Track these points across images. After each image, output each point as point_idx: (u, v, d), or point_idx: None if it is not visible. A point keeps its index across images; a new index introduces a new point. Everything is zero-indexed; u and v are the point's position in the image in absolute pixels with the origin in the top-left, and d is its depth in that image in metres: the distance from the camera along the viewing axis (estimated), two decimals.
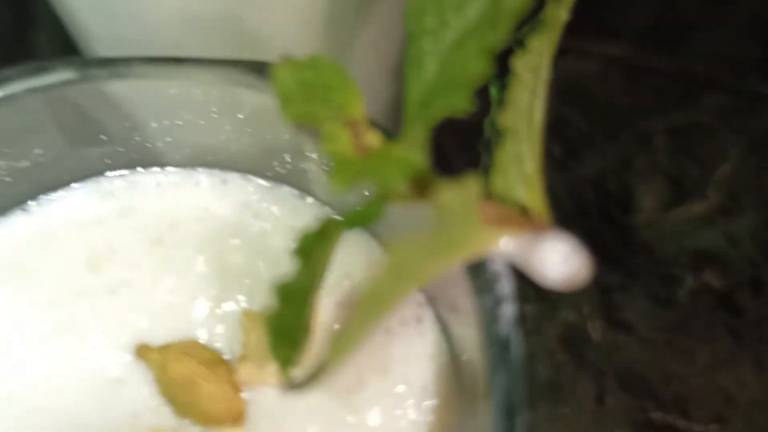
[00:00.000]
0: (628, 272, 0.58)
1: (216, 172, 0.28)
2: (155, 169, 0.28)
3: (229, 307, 0.26)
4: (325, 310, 0.25)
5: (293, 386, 0.20)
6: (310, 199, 0.27)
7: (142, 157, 0.28)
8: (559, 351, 0.56)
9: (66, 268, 0.26)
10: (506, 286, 0.20)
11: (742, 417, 0.53)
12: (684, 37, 0.67)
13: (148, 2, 0.28)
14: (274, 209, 0.27)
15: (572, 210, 0.61)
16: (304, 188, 0.27)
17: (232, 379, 0.24)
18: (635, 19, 0.69)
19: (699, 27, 0.68)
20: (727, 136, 0.63)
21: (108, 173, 0.27)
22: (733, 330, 0.56)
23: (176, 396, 0.24)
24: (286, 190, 0.27)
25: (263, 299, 0.26)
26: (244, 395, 0.24)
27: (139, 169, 0.28)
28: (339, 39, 0.32)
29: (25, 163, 0.26)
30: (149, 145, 0.27)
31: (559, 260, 0.19)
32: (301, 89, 0.20)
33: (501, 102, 0.20)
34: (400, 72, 0.20)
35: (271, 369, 0.24)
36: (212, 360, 0.25)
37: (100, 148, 0.27)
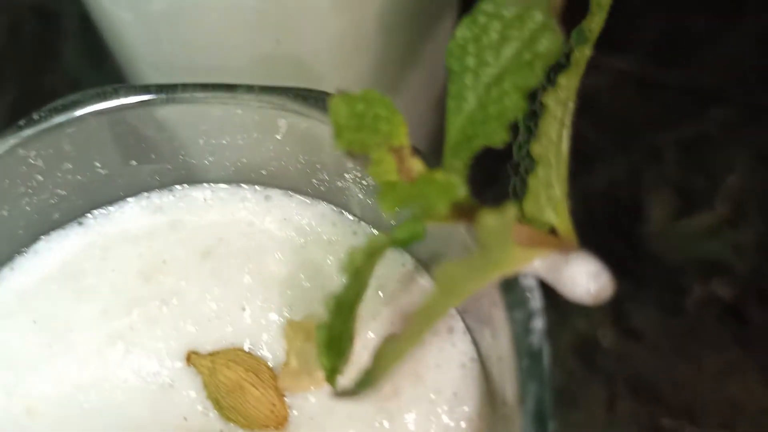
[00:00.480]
0: (637, 282, 0.60)
1: (259, 188, 0.29)
2: (203, 185, 0.29)
3: (273, 316, 0.27)
4: (363, 322, 0.27)
5: (341, 393, 0.21)
6: (347, 215, 0.29)
7: (189, 173, 0.29)
8: (571, 358, 0.57)
9: (120, 278, 0.28)
10: (537, 301, 0.22)
11: (749, 424, 0.55)
12: (692, 51, 0.69)
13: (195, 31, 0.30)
14: (314, 224, 0.29)
15: (583, 220, 0.62)
16: (341, 205, 0.29)
17: (275, 385, 0.26)
18: (645, 33, 0.70)
19: (707, 41, 0.69)
20: (735, 148, 0.65)
21: (158, 189, 0.29)
22: (740, 339, 0.57)
23: (223, 400, 0.26)
24: (325, 206, 0.29)
25: (304, 309, 0.27)
26: (287, 400, 0.26)
27: (185, 185, 0.29)
28: (388, 76, 0.34)
29: (80, 178, 0.28)
30: (195, 162, 0.29)
31: (586, 279, 0.21)
32: (353, 119, 0.22)
33: (533, 133, 0.22)
34: (443, 105, 0.22)
35: (313, 376, 0.26)
36: (257, 367, 0.26)
37: (151, 165, 0.29)
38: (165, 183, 0.29)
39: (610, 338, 0.58)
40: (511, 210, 0.20)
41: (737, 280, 0.60)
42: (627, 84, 0.67)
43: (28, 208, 0.28)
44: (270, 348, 0.27)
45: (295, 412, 0.26)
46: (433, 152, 0.23)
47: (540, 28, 0.21)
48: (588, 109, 0.73)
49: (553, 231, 0.23)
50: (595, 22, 0.23)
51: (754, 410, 0.55)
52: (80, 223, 0.29)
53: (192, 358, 0.27)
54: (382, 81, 0.36)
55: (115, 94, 0.25)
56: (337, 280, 0.27)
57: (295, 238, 0.29)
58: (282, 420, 0.26)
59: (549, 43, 0.21)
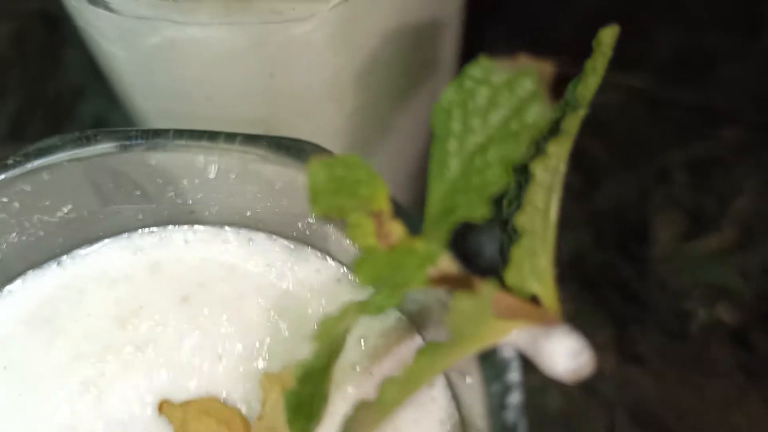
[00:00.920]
0: (642, 305, 0.59)
1: (243, 231, 0.29)
2: (184, 226, 0.29)
3: (251, 366, 0.27)
4: (342, 374, 0.26)
5: None
6: (331, 261, 0.28)
7: (172, 213, 0.29)
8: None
9: (95, 323, 0.27)
10: (516, 375, 0.21)
11: None
12: (706, 70, 0.68)
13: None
14: (297, 270, 0.28)
15: (589, 241, 0.62)
16: (325, 250, 0.28)
17: None
18: (658, 51, 0.69)
19: (721, 60, 0.68)
20: (745, 170, 0.64)
21: (139, 230, 0.28)
22: (744, 366, 0.57)
23: None
24: (309, 251, 0.28)
25: (283, 360, 0.27)
26: None
27: (169, 226, 0.29)
28: (381, 113, 0.33)
29: (59, 219, 0.27)
30: (180, 202, 0.28)
31: (566, 357, 0.20)
32: (332, 184, 0.21)
33: (519, 202, 0.21)
34: (426, 170, 0.21)
35: (287, 430, 0.25)
36: (231, 418, 0.26)
37: (133, 204, 0.28)
38: (147, 223, 0.29)
39: (612, 363, 0.57)
40: (488, 291, 0.19)
41: (743, 305, 0.59)
42: (638, 102, 0.66)
43: (4, 246, 0.27)
44: (245, 398, 0.26)
45: None
46: (420, 198, 0.22)
47: (529, 96, 0.20)
48: (598, 127, 0.72)
49: (535, 299, 0.22)
50: (587, 88, 0.22)
51: None
52: (58, 263, 0.28)
53: (164, 407, 0.26)
54: (375, 117, 0.35)
55: (94, 140, 0.25)
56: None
57: (276, 284, 0.28)
58: None
59: (537, 114, 0.20)
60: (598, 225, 0.62)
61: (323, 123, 0.35)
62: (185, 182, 0.28)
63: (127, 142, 0.25)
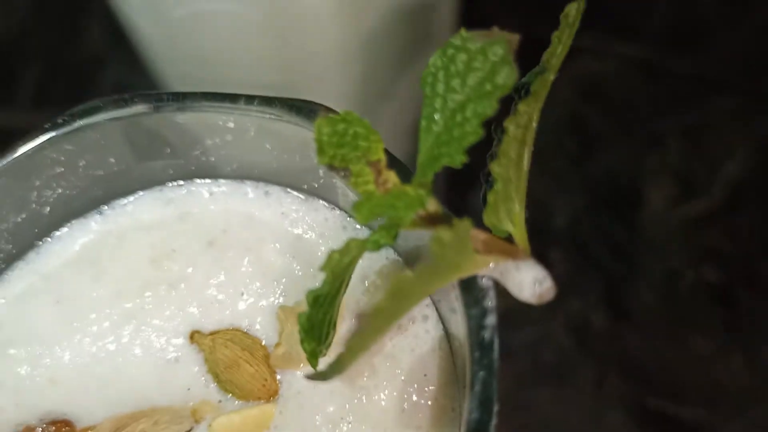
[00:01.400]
0: (632, 266, 0.63)
1: (261, 184, 0.33)
2: (209, 180, 0.33)
3: (268, 302, 0.31)
4: (347, 309, 0.30)
5: (313, 377, 0.25)
6: (338, 210, 0.32)
7: (198, 168, 0.33)
8: (564, 338, 0.60)
9: (133, 264, 0.31)
10: (492, 301, 0.25)
11: (729, 405, 0.58)
12: (701, 40, 0.71)
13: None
14: (308, 218, 0.32)
15: (584, 204, 0.65)
16: (333, 201, 0.32)
17: (268, 363, 0.29)
18: (654, 20, 0.72)
19: (716, 29, 0.71)
20: (736, 136, 0.67)
21: (169, 183, 0.32)
22: (727, 324, 0.60)
23: (222, 375, 0.29)
24: (319, 202, 0.32)
25: (297, 296, 0.31)
26: (277, 376, 0.29)
27: (196, 180, 0.33)
28: (383, 80, 0.37)
29: (100, 173, 0.31)
30: (204, 158, 0.32)
31: (532, 283, 0.24)
32: (335, 137, 0.25)
33: (495, 154, 0.25)
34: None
35: (301, 356, 0.29)
36: (252, 346, 0.30)
37: (164, 160, 0.32)
38: (176, 177, 0.33)
39: (603, 320, 0.61)
40: (465, 226, 0.23)
41: (728, 266, 0.62)
42: (634, 71, 0.70)
43: (52, 198, 0.31)
44: (264, 329, 0.30)
45: (284, 387, 0.29)
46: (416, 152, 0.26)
47: (500, 61, 0.24)
48: (594, 95, 0.75)
49: (509, 239, 0.26)
50: (554, 56, 0.26)
51: (736, 391, 0.58)
52: (100, 213, 0.32)
53: (195, 336, 0.30)
54: (377, 82, 0.39)
55: (131, 101, 0.29)
56: None
57: (290, 231, 0.32)
58: (273, 393, 0.29)
59: (506, 76, 0.24)
60: (592, 189, 0.66)
61: (332, 87, 0.39)
62: (209, 141, 0.32)
63: (160, 104, 0.29)
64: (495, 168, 0.25)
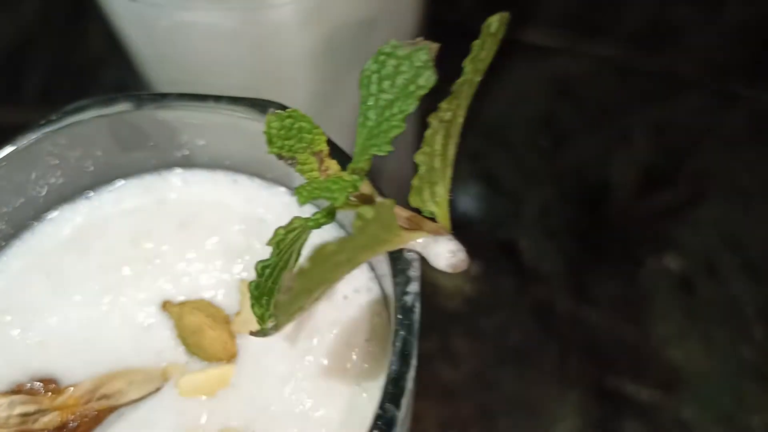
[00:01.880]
0: (598, 254, 0.66)
1: (230, 173, 0.37)
2: (183, 169, 0.37)
3: (231, 276, 0.35)
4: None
5: (258, 332, 0.29)
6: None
7: (175, 159, 0.37)
8: (529, 321, 0.64)
9: (115, 242, 0.35)
10: (416, 270, 0.29)
11: (686, 387, 0.61)
12: (673, 39, 0.74)
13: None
14: (269, 203, 0.36)
15: (554, 196, 0.69)
16: (292, 188, 0.36)
17: (229, 329, 0.33)
18: (627, 21, 0.76)
19: (688, 30, 0.75)
20: (701, 133, 0.70)
21: (149, 173, 0.37)
22: (685, 309, 0.64)
23: (188, 339, 0.33)
24: (280, 189, 0.36)
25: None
26: (237, 341, 0.33)
27: (175, 169, 0.37)
28: (345, 80, 0.41)
29: (88, 163, 0.36)
30: (181, 152, 0.37)
31: (447, 255, 0.28)
32: (282, 130, 0.29)
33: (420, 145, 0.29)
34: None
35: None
36: (216, 314, 0.34)
37: (145, 152, 0.36)
38: (155, 167, 0.37)
39: (566, 305, 0.65)
40: (387, 205, 0.27)
41: (689, 255, 0.66)
42: (606, 69, 0.73)
43: (46, 185, 0.35)
44: (226, 300, 0.35)
45: (242, 350, 0.33)
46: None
47: (423, 65, 0.28)
48: (567, 93, 0.79)
49: (433, 218, 0.30)
50: (475, 62, 0.29)
51: (692, 374, 0.62)
52: (87, 198, 0.36)
53: (166, 305, 0.34)
54: (338, 84, 0.43)
55: (116, 101, 0.33)
56: None
57: (253, 214, 0.36)
58: (232, 355, 0.33)
59: (427, 78, 0.28)
60: (562, 182, 0.69)
61: (298, 89, 0.43)
62: (185, 135, 0.36)
63: (141, 103, 0.33)
64: (419, 157, 0.29)
